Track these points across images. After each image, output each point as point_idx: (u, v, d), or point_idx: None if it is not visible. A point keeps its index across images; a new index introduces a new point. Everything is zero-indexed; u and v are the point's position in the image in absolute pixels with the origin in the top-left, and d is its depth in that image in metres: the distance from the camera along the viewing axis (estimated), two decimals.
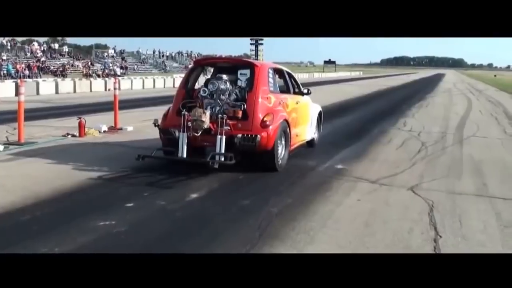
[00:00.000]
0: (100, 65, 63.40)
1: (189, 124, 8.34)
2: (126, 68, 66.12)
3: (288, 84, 10.84)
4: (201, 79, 10.87)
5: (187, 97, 9.23)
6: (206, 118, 8.29)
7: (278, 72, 10.54)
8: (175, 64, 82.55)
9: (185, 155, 8.46)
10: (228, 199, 7.26)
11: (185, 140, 8.42)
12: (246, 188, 7.94)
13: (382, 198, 7.50)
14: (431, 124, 17.15)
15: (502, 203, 7.35)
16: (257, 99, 8.72)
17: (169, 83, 44.12)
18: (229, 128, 8.37)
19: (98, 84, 36.56)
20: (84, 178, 8.27)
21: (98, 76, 50.72)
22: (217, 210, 6.70)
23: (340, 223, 6.23)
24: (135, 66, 73.23)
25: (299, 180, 8.57)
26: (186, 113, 8.44)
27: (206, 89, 8.75)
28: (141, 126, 14.62)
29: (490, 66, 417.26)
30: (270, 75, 9.51)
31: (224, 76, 8.90)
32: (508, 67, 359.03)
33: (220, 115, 8.38)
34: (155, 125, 9.27)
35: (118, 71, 59.08)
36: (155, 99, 27.55)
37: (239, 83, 9.51)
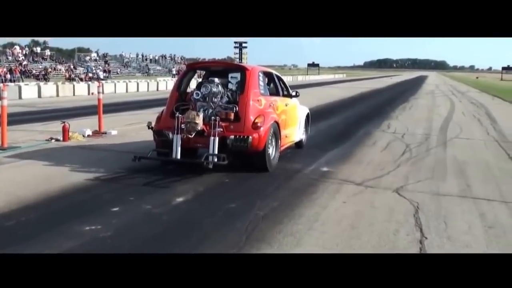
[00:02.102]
0: (83, 68, 63.02)
1: (183, 126, 8.58)
2: (109, 71, 65.73)
3: (278, 86, 11.11)
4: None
5: (180, 100, 9.49)
6: (199, 120, 8.55)
7: (268, 75, 10.86)
8: (158, 68, 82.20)
9: (179, 156, 8.68)
10: (214, 202, 7.25)
11: (179, 142, 8.63)
12: (232, 192, 7.94)
13: (367, 200, 7.54)
14: (415, 126, 17.26)
15: (486, 204, 7.43)
16: (248, 102, 9.00)
17: (152, 86, 43.93)
18: (221, 129, 8.59)
19: (81, 88, 36.31)
20: (69, 182, 8.22)
21: (81, 79, 50.39)
22: (204, 213, 6.69)
23: (326, 225, 6.26)
24: (118, 70, 72.81)
25: (285, 183, 8.59)
26: (180, 115, 8.67)
27: (199, 92, 9.04)
28: (126, 130, 14.60)
29: (472, 68, 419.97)
30: (261, 78, 9.84)
31: (216, 80, 9.19)
32: (490, 69, 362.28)
33: (213, 117, 8.62)
34: (148, 127, 9.54)
35: (101, 74, 58.69)
36: (139, 102, 27.49)
37: (230, 86, 9.75)
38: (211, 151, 8.50)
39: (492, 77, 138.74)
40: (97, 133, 13.69)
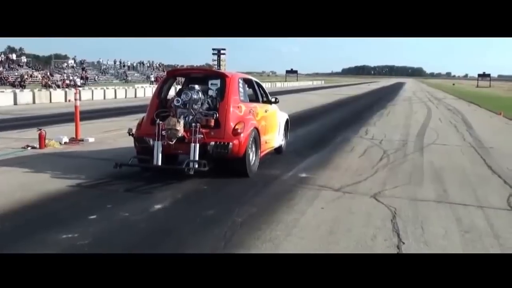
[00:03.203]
0: (59, 75, 62.47)
1: (164, 132, 8.69)
2: (87, 78, 65.24)
3: (257, 93, 11.34)
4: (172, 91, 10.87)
5: (161, 106, 9.52)
6: (180, 127, 8.65)
7: (248, 82, 10.98)
8: (136, 74, 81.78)
9: (160, 163, 8.76)
10: (193, 209, 7.23)
11: (160, 148, 8.71)
12: (211, 198, 7.93)
13: (345, 206, 7.59)
14: (392, 132, 17.42)
15: (462, 209, 7.51)
16: (228, 108, 9.10)
17: (130, 93, 43.69)
18: (202, 136, 8.71)
19: (58, 95, 35.97)
20: (45, 190, 8.15)
21: (58, 86, 49.95)
22: (182, 220, 6.67)
23: (305, 231, 6.28)
24: (96, 77, 72.30)
25: (264, 189, 8.60)
26: (161, 122, 8.78)
27: (179, 99, 9.09)
28: (103, 137, 14.50)
29: (448, 74, 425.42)
30: (241, 85, 9.99)
31: (197, 87, 9.25)
32: (466, 75, 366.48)
33: (193, 124, 8.73)
34: (129, 134, 9.58)
35: (79, 81, 58.25)
36: (117, 109, 27.32)
37: (210, 92, 9.73)
38: (192, 158, 8.57)
39: (468, 83, 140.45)
40: (74, 140, 13.58)
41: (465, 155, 12.83)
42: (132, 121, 19.30)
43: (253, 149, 9.62)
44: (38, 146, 12.34)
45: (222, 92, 9.47)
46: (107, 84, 62.92)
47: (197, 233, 6.12)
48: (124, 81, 73.09)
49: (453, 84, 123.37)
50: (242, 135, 9.01)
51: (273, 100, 11.67)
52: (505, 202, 8.05)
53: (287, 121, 13.02)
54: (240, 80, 10.09)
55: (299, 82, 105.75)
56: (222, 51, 22.96)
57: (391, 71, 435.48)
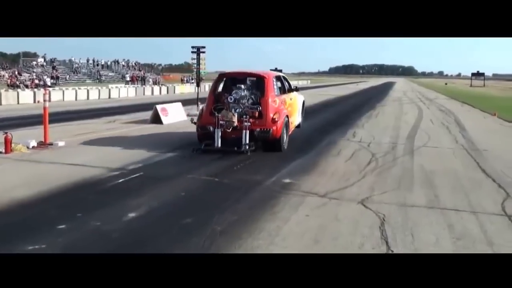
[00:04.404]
0: (28, 75, 62.03)
1: (222, 122, 12.41)
2: (58, 78, 64.86)
3: (285, 85, 15.34)
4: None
5: (216, 101, 13.11)
6: (235, 119, 12.49)
7: (278, 78, 14.88)
8: (111, 74, 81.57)
9: (219, 145, 12.45)
10: (169, 217, 7.21)
11: (219, 134, 12.45)
12: (189, 206, 7.91)
13: (331, 213, 7.60)
14: (381, 135, 17.52)
15: (454, 215, 7.56)
16: (267, 103, 12.86)
17: (104, 94, 43.24)
18: (249, 124, 12.42)
19: (26, 96, 35.62)
20: (11, 198, 8.06)
21: (26, 86, 49.55)
22: (158, 230, 6.64)
23: (288, 240, 6.27)
24: (67, 76, 71.95)
25: (245, 195, 8.60)
26: (218, 115, 12.46)
27: (232, 96, 12.73)
28: (75, 141, 14.38)
29: (440, 74, 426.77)
30: (274, 83, 13.91)
31: (243, 86, 13.01)
32: (459, 74, 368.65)
33: (243, 116, 12.47)
34: (192, 122, 13.36)
35: (49, 81, 57.82)
36: (89, 111, 27.11)
37: (253, 90, 13.31)
38: (244, 141, 12.33)
39: (461, 83, 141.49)
40: (42, 144, 13.46)
41: (458, 158, 12.93)
42: (105, 124, 19.26)
43: (285, 131, 13.30)
44: (3, 150, 12.20)
45: (262, 90, 13.15)
46: (79, 84, 62.77)
47: (174, 244, 6.09)
48: (97, 81, 72.84)
49: (446, 84, 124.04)
50: (278, 122, 12.76)
51: (294, 88, 16.30)
52: (500, 207, 8.12)
53: (303, 102, 17.28)
54: (274, 78, 14.01)
55: None
56: (201, 49, 22.82)
57: (381, 70, 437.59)
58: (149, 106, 23.21)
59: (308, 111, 28.86)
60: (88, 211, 7.43)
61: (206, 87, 58.33)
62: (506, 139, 17.41)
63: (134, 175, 9.96)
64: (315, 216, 7.39)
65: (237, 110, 12.66)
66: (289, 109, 14.31)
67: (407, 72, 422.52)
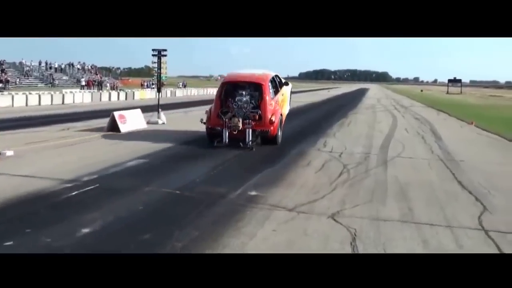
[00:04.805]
0: None
1: (228, 124, 16.07)
2: (7, 81, 63.82)
3: (277, 84, 18.78)
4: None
5: (222, 105, 16.82)
6: (240, 124, 16.07)
7: (272, 80, 18.16)
8: (65, 77, 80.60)
9: (227, 141, 16.07)
10: (126, 233, 7.15)
11: (227, 134, 16.12)
12: (147, 221, 7.85)
13: (300, 227, 7.61)
14: (354, 144, 17.67)
15: (428, 229, 7.64)
16: (265, 107, 16.59)
17: (57, 99, 42.48)
18: (251, 125, 16.10)
19: None
20: None
21: None
22: (113, 247, 6.57)
23: None
24: (17, 80, 70.89)
25: (207, 209, 8.57)
26: (226, 119, 16.10)
27: (236, 102, 16.45)
28: (25, 150, 14.15)
29: (416, 80, 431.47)
30: (270, 86, 17.47)
31: (245, 93, 16.71)
32: (435, 81, 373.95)
33: (246, 120, 16.14)
34: (201, 122, 17.30)
35: None
36: (41, 118, 26.68)
37: (252, 95, 16.89)
38: (247, 139, 16.00)
39: (437, 90, 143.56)
40: None
41: (433, 169, 13.08)
42: (58, 132, 19.02)
43: (279, 127, 17.34)
44: None
45: (260, 95, 16.87)
46: (31, 88, 61.75)
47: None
48: (50, 85, 71.83)
49: (421, 91, 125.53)
50: (275, 123, 16.60)
51: (284, 82, 19.96)
52: (476, 221, 8.22)
53: (291, 91, 21.41)
54: (269, 82, 17.50)
55: None
56: (163, 52, 22.69)
57: (354, 75, 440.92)
58: (106, 112, 22.96)
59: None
60: (38, 226, 7.32)
61: (168, 92, 58.23)
62: (483, 149, 17.64)
63: (89, 187, 9.85)
64: (283, 231, 7.39)
65: (241, 114, 16.39)
66: (282, 104, 18.71)
67: (381, 78, 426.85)
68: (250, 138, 16.07)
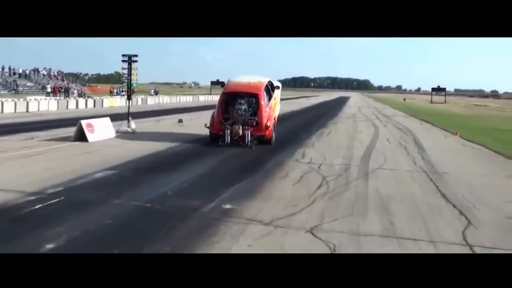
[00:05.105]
0: None
1: (230, 131, 19.45)
2: None
3: (270, 90, 22.51)
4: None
5: (223, 112, 20.23)
6: (240, 130, 19.50)
7: (266, 88, 21.71)
8: (29, 84, 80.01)
9: (229, 142, 19.36)
10: (92, 249, 7.07)
11: (229, 137, 19.46)
12: (115, 235, 7.80)
13: (277, 242, 7.61)
14: (333, 155, 17.75)
15: (411, 245, 7.67)
16: (262, 114, 20.10)
17: (21, 107, 41.83)
18: (250, 130, 19.55)
19: None
20: None
21: None
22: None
23: None
24: None
25: (179, 223, 8.53)
26: (228, 126, 19.59)
27: (237, 110, 20.05)
28: None
29: (399, 88, 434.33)
30: (265, 94, 21.12)
31: (243, 102, 20.31)
32: (419, 89, 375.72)
33: (246, 126, 19.64)
34: (205, 126, 20.75)
35: None
36: (3, 127, 26.23)
37: (247, 103, 20.59)
38: (247, 141, 19.42)
39: (421, 98, 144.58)
40: None
41: (416, 182, 13.18)
42: (21, 141, 18.82)
43: (274, 130, 21.12)
44: None
45: (257, 103, 20.44)
46: None
47: None
48: (14, 92, 71.19)
49: (404, 99, 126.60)
50: (270, 127, 20.29)
51: (276, 86, 23.65)
52: (461, 236, 8.28)
53: (280, 92, 25.01)
54: (264, 91, 21.07)
55: None
56: (133, 58, 22.57)
57: (334, 83, 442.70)
58: (73, 121, 22.77)
59: None
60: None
61: (139, 100, 57.98)
62: (468, 161, 17.83)
63: (54, 200, 9.77)
64: (259, 246, 7.38)
65: (240, 121, 20.06)
66: (274, 108, 22.84)
67: (362, 86, 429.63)
68: (249, 139, 19.71)
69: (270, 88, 22.56)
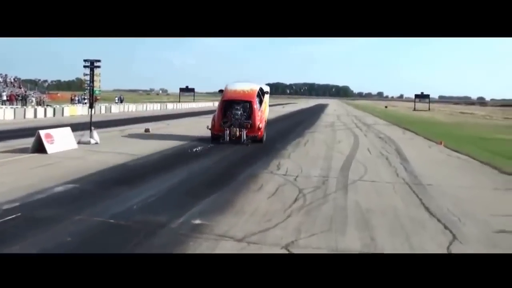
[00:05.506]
0: None
1: (229, 133, 25.79)
2: None
3: (260, 95, 28.14)
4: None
5: (222, 116, 26.26)
6: (237, 132, 25.80)
7: (257, 94, 27.38)
8: None
9: (228, 140, 25.55)
10: None
11: (228, 137, 25.75)
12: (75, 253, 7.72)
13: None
14: (311, 166, 17.78)
15: None
16: (254, 118, 26.25)
17: None
18: (246, 131, 25.89)
19: None
20: None
21: None
22: None
23: None
24: None
25: (146, 240, 8.50)
26: (227, 128, 25.85)
27: (234, 115, 25.95)
28: None
29: (380, 95, 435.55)
30: (257, 101, 27.21)
31: (239, 107, 26.43)
32: (401, 96, 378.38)
33: (242, 128, 25.91)
34: (207, 128, 26.97)
35: None
36: None
37: (245, 108, 26.87)
38: (243, 139, 25.56)
39: (403, 106, 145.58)
40: None
41: (398, 194, 13.27)
42: None
43: (265, 130, 27.50)
44: None
45: (250, 109, 26.47)
46: None
47: None
48: None
49: (386, 107, 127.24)
50: (262, 129, 26.70)
51: (266, 92, 29.94)
52: (445, 251, 8.31)
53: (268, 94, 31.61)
54: (256, 98, 27.01)
55: (197, 102, 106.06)
56: (96, 63, 22.37)
57: (311, 90, 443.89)
58: (31, 131, 22.60)
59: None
60: None
61: (102, 108, 57.62)
62: (453, 172, 17.99)
63: (9, 217, 9.68)
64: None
65: (237, 124, 25.92)
66: (264, 111, 29.35)
67: (341, 92, 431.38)
68: (245, 138, 25.81)
69: (261, 94, 28.68)
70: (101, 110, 56.65)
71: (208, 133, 27.29)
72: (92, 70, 24.15)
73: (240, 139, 25.66)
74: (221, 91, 29.89)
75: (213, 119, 27.00)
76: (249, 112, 26.58)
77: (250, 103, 26.79)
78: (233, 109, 26.47)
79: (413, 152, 23.94)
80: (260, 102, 28.14)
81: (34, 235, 8.55)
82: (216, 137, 26.20)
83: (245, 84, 29.12)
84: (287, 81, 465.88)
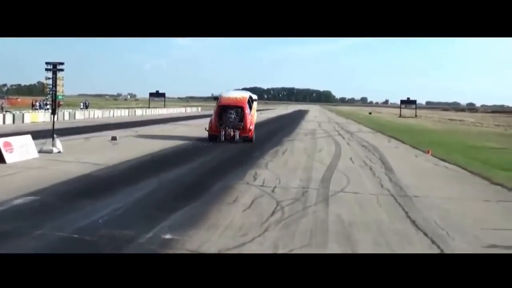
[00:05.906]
0: None
1: (224, 133, 34.21)
2: None
3: (250, 102, 37.25)
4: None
5: (218, 119, 34.85)
6: (231, 133, 34.25)
7: (248, 101, 36.22)
8: None
9: (223, 139, 33.79)
10: None
11: (223, 136, 34.06)
12: None
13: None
14: (289, 177, 17.77)
15: None
16: (246, 121, 34.76)
17: None
18: (238, 132, 34.48)
19: None
20: None
21: None
22: None
23: None
24: None
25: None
26: (222, 129, 34.12)
27: (228, 118, 34.67)
28: None
29: (364, 101, 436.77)
30: (248, 106, 35.73)
31: (232, 111, 34.97)
32: (386, 102, 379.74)
33: (236, 129, 34.37)
34: (205, 129, 35.57)
35: None
36: None
37: (237, 112, 35.60)
38: (236, 138, 34.01)
39: (389, 112, 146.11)
40: None
41: (383, 207, 13.29)
42: None
43: (254, 131, 35.82)
44: None
45: (242, 113, 34.86)
46: None
47: None
48: None
49: (370, 113, 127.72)
50: (252, 130, 35.40)
51: (254, 99, 39.71)
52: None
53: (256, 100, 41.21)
54: (247, 104, 35.60)
55: (168, 108, 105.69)
56: (59, 66, 22.19)
57: (291, 95, 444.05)
58: None
59: (197, 148, 29.13)
60: None
61: (66, 115, 57.26)
62: (441, 183, 18.07)
63: None
64: None
65: (231, 126, 33.25)
66: (253, 115, 36.95)
67: (323, 98, 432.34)
68: (238, 137, 32.92)
69: (250, 101, 36.88)
70: (65, 117, 56.27)
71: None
72: (54, 73, 23.88)
73: (233, 139, 33.00)
74: (215, 98, 38.34)
75: (210, 122, 34.76)
76: (241, 116, 34.21)
77: (242, 108, 34.54)
78: (227, 113, 34.23)
79: (398, 161, 24.04)
80: (250, 107, 36.07)
81: None
82: (213, 137, 33.57)
83: (237, 92, 38.73)
84: (265, 85, 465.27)
